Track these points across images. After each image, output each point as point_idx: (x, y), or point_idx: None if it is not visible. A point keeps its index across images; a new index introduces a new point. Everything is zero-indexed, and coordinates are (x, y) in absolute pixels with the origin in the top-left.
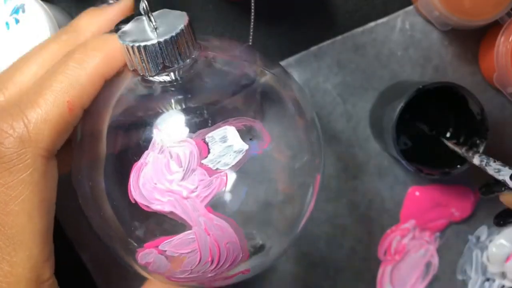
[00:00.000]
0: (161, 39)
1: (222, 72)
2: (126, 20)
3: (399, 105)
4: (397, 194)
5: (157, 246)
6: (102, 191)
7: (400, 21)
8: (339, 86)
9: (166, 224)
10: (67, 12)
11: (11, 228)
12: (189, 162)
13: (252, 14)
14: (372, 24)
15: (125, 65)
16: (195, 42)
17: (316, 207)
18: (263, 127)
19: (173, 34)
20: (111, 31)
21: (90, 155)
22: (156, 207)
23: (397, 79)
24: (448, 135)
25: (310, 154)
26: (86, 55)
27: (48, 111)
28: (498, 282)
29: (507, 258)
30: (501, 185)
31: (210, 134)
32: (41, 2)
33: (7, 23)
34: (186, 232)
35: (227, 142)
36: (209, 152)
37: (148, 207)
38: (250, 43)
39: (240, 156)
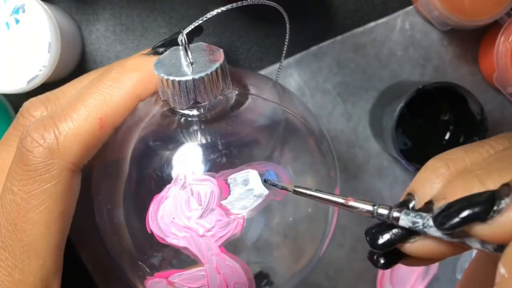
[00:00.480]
0: (196, 76)
1: (249, 111)
2: (164, 44)
3: (399, 105)
4: (397, 194)
5: (167, 277)
6: (120, 216)
7: (400, 21)
8: (339, 86)
9: (179, 257)
10: (67, 12)
11: (28, 236)
12: (209, 201)
13: (284, 52)
14: (372, 24)
15: (156, 92)
16: (227, 80)
17: (316, 207)
18: (285, 173)
19: (208, 72)
20: (148, 53)
21: (111, 179)
22: (172, 241)
23: (397, 79)
24: (448, 135)
25: (326, 172)
26: (122, 74)
27: (79, 125)
28: None
29: None
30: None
31: (232, 176)
32: (41, 2)
33: (7, 23)
34: (197, 268)
35: (248, 186)
36: (229, 194)
37: (163, 239)
38: (278, 79)
39: (259, 201)
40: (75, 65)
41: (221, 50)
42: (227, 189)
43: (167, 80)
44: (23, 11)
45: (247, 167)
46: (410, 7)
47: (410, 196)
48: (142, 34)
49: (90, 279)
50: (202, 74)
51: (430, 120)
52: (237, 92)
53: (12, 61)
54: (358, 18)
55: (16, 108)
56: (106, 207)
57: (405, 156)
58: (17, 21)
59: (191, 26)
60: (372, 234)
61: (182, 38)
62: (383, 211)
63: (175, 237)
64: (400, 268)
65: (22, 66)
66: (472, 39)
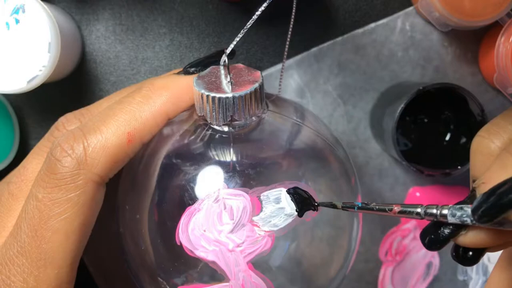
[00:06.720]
0: (236, 94)
1: (280, 131)
2: (195, 64)
3: (400, 106)
4: (397, 194)
5: None
6: (148, 226)
7: (400, 22)
8: (339, 87)
9: (203, 271)
10: (67, 12)
11: (47, 244)
12: (240, 216)
13: (283, 64)
14: (372, 25)
15: (192, 107)
16: (263, 100)
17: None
18: (316, 196)
19: (248, 91)
20: (179, 72)
21: (143, 189)
22: (200, 254)
23: (398, 80)
24: (448, 136)
25: (347, 180)
26: (153, 92)
27: (108, 138)
28: None
29: None
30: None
31: (265, 193)
32: (41, 2)
33: (7, 23)
34: (222, 284)
35: (280, 204)
36: (261, 210)
37: (192, 252)
38: (279, 91)
39: (289, 220)
40: (75, 65)
41: (259, 72)
42: (259, 205)
43: (207, 96)
44: (23, 11)
45: (280, 186)
46: (410, 8)
47: (474, 184)
48: (142, 34)
49: (92, 282)
50: (242, 93)
51: (431, 121)
52: (269, 113)
53: (12, 61)
54: (358, 19)
55: (16, 108)
56: (135, 217)
57: (405, 157)
58: (17, 21)
59: (232, 45)
60: (425, 235)
61: (224, 59)
62: (431, 211)
63: (204, 250)
64: (401, 269)
65: (22, 66)
66: (472, 40)
